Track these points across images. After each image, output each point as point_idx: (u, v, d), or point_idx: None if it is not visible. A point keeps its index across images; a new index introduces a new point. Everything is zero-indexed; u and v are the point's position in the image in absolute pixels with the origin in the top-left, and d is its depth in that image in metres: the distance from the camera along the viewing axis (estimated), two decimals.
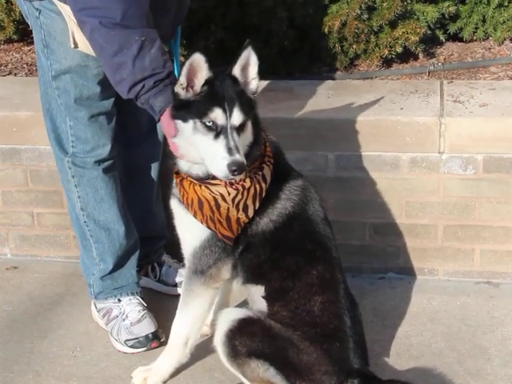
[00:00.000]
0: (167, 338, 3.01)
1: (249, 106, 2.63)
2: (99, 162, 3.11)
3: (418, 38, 3.98)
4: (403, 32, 3.97)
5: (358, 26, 3.91)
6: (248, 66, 2.64)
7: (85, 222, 3.20)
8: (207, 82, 2.60)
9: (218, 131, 2.55)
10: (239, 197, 2.68)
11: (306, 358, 2.64)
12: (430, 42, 4.19)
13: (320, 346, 2.64)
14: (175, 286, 3.49)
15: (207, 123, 2.55)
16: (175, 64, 3.01)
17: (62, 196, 3.69)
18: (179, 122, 2.62)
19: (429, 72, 4.03)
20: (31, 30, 3.10)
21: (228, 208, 2.69)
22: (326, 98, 3.71)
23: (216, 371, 3.02)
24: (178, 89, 2.62)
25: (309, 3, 4.02)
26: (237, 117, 2.56)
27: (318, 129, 3.50)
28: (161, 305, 3.40)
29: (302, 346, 2.65)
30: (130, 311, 3.23)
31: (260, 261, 2.78)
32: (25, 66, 4.37)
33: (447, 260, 3.59)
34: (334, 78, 4.06)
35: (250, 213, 2.70)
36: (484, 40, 4.27)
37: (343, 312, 2.72)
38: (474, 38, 4.26)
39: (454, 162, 3.44)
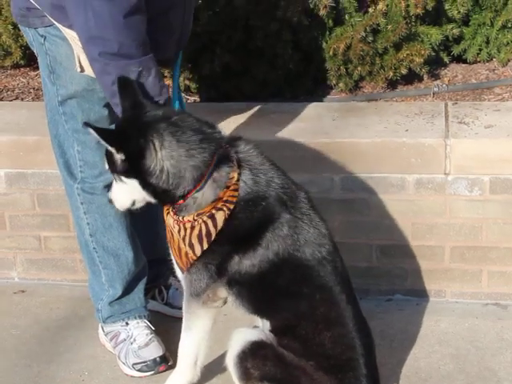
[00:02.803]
0: (175, 361, 3.01)
1: (117, 164, 2.66)
2: (108, 186, 3.10)
3: (422, 60, 3.99)
4: (408, 54, 3.99)
5: (363, 48, 3.93)
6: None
7: (94, 248, 3.21)
8: None
9: None
10: (182, 232, 2.68)
11: None
12: (434, 64, 4.20)
13: (335, 375, 2.63)
14: (182, 308, 3.49)
15: None
16: (174, 87, 3.08)
17: (69, 220, 3.70)
18: None
19: (433, 93, 4.04)
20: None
21: (178, 239, 2.71)
22: (330, 120, 3.72)
23: None
24: None
25: (314, 26, 4.04)
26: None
27: (323, 151, 3.50)
28: (168, 328, 3.39)
29: (315, 376, 2.63)
30: (138, 335, 3.22)
31: (256, 299, 2.76)
32: (31, 90, 4.40)
33: (454, 281, 3.58)
34: (338, 100, 4.07)
35: (197, 251, 2.68)
36: (488, 61, 4.28)
37: (355, 342, 2.69)
38: (478, 59, 4.27)
39: (460, 183, 3.44)
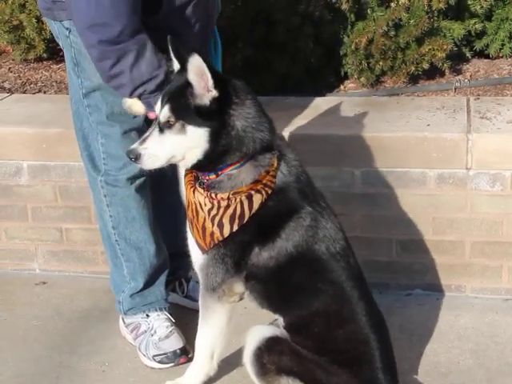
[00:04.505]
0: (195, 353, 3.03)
1: (190, 109, 2.57)
2: (131, 179, 3.13)
3: (444, 55, 3.99)
4: (430, 49, 3.98)
5: (385, 42, 3.93)
6: (202, 76, 2.55)
7: (116, 240, 3.23)
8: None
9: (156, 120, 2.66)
10: (214, 211, 2.67)
11: (336, 380, 2.63)
12: (456, 59, 4.19)
13: (349, 368, 2.64)
14: None
15: None
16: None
17: (91, 212, 3.73)
18: None
19: (455, 88, 4.03)
20: (60, 49, 3.14)
21: (204, 218, 2.69)
22: (352, 114, 3.72)
23: None
24: None
25: (335, 20, 4.05)
26: (164, 113, 2.60)
27: (345, 145, 3.51)
28: (188, 320, 3.40)
29: (330, 369, 2.64)
30: (158, 327, 3.24)
31: (270, 294, 2.78)
32: (54, 83, 4.43)
33: (475, 277, 3.57)
34: (360, 95, 4.07)
35: (226, 232, 2.67)
36: (510, 57, 4.26)
37: (369, 337, 2.69)
38: (501, 54, 4.26)
39: (482, 178, 3.43)
